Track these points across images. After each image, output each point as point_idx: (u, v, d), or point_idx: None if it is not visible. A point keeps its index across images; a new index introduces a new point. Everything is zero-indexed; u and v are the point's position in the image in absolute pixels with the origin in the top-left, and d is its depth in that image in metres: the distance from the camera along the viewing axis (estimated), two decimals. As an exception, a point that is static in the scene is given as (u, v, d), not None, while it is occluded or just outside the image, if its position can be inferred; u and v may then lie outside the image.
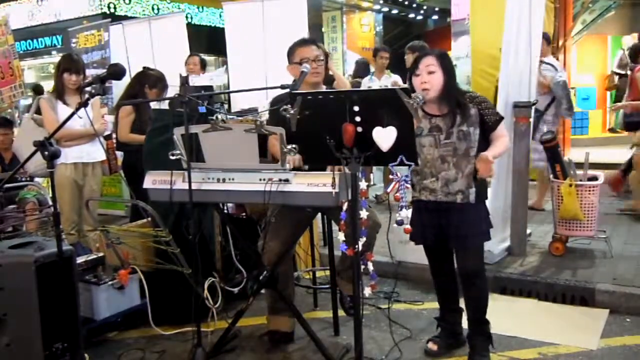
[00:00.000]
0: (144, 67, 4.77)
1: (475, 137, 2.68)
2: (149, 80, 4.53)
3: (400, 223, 2.44)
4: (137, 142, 4.33)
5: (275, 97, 3.05)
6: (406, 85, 2.87)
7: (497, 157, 2.71)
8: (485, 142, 2.71)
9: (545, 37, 5.82)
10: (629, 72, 10.29)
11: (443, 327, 3.01)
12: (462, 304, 3.00)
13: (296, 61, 3.02)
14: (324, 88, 3.15)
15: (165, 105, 4.54)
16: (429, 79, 2.64)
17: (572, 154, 7.13)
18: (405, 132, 2.20)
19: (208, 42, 11.59)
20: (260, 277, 2.87)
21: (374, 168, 6.63)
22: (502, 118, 2.75)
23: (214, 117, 2.72)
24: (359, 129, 2.22)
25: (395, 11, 17.22)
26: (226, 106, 5.43)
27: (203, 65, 5.72)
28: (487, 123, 2.69)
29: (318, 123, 2.29)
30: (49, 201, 4.63)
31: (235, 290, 3.25)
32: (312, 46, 3.06)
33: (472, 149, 2.68)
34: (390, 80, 6.14)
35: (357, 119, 2.22)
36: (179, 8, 11.37)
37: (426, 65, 2.65)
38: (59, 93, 4.12)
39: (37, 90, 11.71)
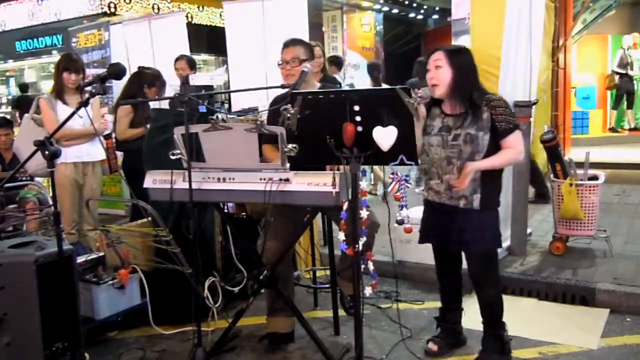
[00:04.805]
0: (140, 67, 4.78)
1: (484, 142, 2.57)
2: (147, 79, 4.54)
3: (400, 222, 2.45)
4: (134, 137, 4.35)
5: (276, 96, 3.04)
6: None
7: (490, 168, 2.60)
8: (497, 149, 2.60)
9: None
10: (629, 72, 10.35)
11: (443, 327, 3.01)
12: (463, 304, 3.01)
13: (279, 63, 3.02)
14: (316, 87, 3.12)
15: (165, 104, 4.54)
16: (435, 74, 2.58)
17: (573, 154, 7.12)
18: (406, 131, 2.20)
19: (208, 41, 11.60)
20: (261, 277, 2.87)
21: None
22: (515, 127, 2.59)
23: (214, 117, 2.71)
24: (359, 129, 2.23)
25: (395, 11, 17.22)
26: (226, 106, 5.42)
27: (192, 66, 5.70)
28: (497, 130, 2.58)
29: (318, 123, 2.29)
30: (49, 200, 4.63)
31: (236, 289, 3.24)
32: (290, 47, 3.00)
33: (479, 154, 2.58)
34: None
35: (358, 118, 2.22)
36: (180, 8, 11.38)
37: (434, 60, 2.59)
38: (59, 92, 4.12)
39: (22, 88, 11.76)
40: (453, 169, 2.62)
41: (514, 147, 2.60)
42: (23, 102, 10.98)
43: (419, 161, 2.79)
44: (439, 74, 2.58)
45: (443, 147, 2.63)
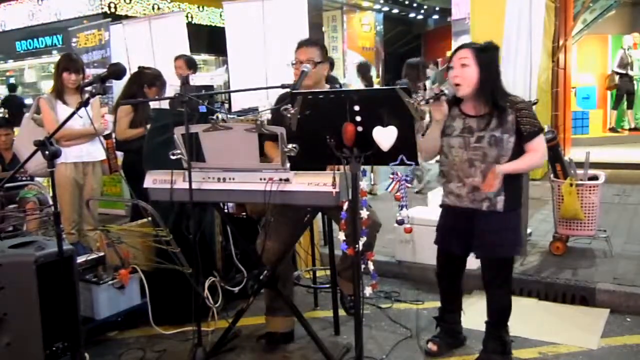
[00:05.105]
0: (140, 67, 4.78)
1: (509, 145, 2.50)
2: (147, 79, 4.54)
3: (400, 223, 2.44)
4: (134, 137, 4.35)
5: (280, 95, 3.04)
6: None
7: (515, 172, 2.55)
8: (521, 151, 2.54)
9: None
10: (629, 72, 10.36)
11: (442, 327, 3.00)
12: (463, 304, 3.01)
13: (293, 62, 3.01)
14: (326, 88, 3.12)
15: (165, 104, 4.54)
16: (461, 72, 2.48)
17: (573, 154, 7.13)
18: (406, 131, 2.20)
19: (208, 41, 11.61)
20: (261, 277, 2.87)
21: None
22: (540, 130, 2.54)
23: (214, 117, 2.71)
24: (360, 129, 2.23)
25: (395, 11, 17.24)
26: (226, 106, 5.42)
27: (191, 65, 5.71)
28: (522, 133, 2.51)
29: (318, 123, 2.29)
30: (49, 200, 4.63)
31: (236, 289, 3.25)
32: (306, 48, 2.99)
33: (504, 157, 2.51)
34: None
35: (358, 118, 2.22)
36: (180, 7, 11.39)
37: (459, 58, 2.49)
38: (59, 92, 4.12)
39: (10, 88, 11.84)
40: (476, 171, 2.54)
41: (538, 150, 2.56)
42: (10, 102, 11.03)
43: (441, 163, 2.72)
44: (465, 72, 2.48)
45: (465, 149, 2.55)
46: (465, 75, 2.49)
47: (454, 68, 2.52)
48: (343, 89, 4.90)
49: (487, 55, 2.53)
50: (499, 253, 2.63)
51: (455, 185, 2.62)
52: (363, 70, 7.33)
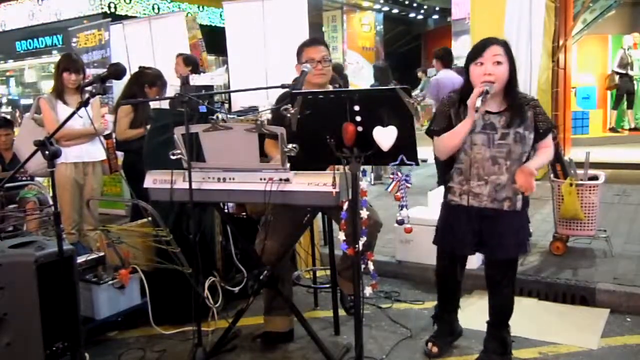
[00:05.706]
0: (140, 67, 4.78)
1: (530, 141, 2.49)
2: (147, 79, 4.55)
3: (400, 222, 2.44)
4: (134, 137, 4.35)
5: (281, 95, 3.04)
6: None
7: (538, 169, 2.54)
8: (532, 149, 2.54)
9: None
10: (629, 72, 10.37)
11: (440, 326, 2.99)
12: (461, 304, 3.01)
13: (303, 61, 2.97)
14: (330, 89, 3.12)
15: (165, 104, 4.55)
16: (494, 70, 2.41)
17: (573, 154, 7.13)
18: (406, 131, 2.20)
19: (208, 41, 11.61)
20: (261, 277, 2.87)
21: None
22: (552, 127, 2.57)
23: (215, 117, 2.71)
24: (360, 129, 2.23)
25: (395, 10, 17.26)
26: (226, 106, 5.43)
27: (189, 63, 5.70)
28: (538, 130, 2.50)
29: (318, 123, 2.29)
30: (49, 200, 4.64)
31: (236, 289, 3.24)
32: (319, 46, 2.99)
33: (526, 154, 2.50)
34: None
35: (358, 118, 2.22)
36: (180, 8, 11.40)
37: (493, 55, 2.41)
38: (59, 92, 4.12)
39: None
40: (501, 169, 2.51)
41: (550, 146, 2.58)
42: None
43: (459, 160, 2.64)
44: (499, 70, 2.41)
45: (488, 146, 2.50)
46: (499, 73, 2.43)
47: (483, 64, 2.44)
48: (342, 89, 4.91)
49: (511, 51, 2.49)
50: (514, 252, 2.63)
51: (475, 184, 2.56)
52: (337, 70, 7.33)
